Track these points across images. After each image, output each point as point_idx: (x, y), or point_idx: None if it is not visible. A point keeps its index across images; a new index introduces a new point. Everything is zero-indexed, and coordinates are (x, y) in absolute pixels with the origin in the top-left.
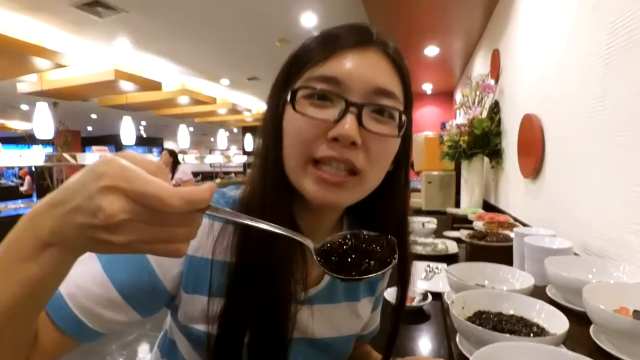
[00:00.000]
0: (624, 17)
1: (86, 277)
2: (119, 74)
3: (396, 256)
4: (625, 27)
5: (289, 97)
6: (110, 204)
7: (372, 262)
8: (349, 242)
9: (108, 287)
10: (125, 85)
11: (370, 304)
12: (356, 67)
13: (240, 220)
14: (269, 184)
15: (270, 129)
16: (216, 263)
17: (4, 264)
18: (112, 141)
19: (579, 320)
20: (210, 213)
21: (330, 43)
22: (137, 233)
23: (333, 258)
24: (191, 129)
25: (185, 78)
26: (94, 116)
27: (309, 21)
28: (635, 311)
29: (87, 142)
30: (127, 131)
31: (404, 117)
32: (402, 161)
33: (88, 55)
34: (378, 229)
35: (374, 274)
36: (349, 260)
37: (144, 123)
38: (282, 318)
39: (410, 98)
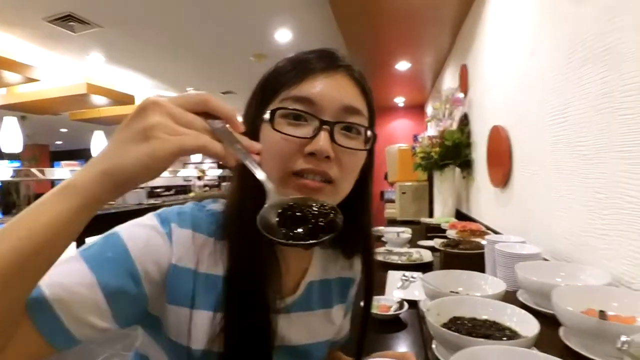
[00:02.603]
0: (580, 35)
1: (72, 278)
2: (91, 87)
3: (341, 217)
4: (583, 44)
5: (267, 117)
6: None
7: (320, 225)
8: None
9: (94, 288)
10: (97, 99)
11: (342, 310)
12: (326, 88)
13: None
14: (249, 198)
15: None
16: (199, 275)
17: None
18: (83, 156)
19: (549, 322)
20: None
21: (302, 67)
22: (168, 119)
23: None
24: None
25: (158, 92)
26: (64, 130)
27: (284, 37)
28: (600, 311)
29: (57, 156)
30: (99, 146)
31: (369, 133)
32: (368, 170)
33: (59, 69)
34: (353, 232)
35: (324, 237)
36: (300, 227)
37: None
38: (264, 328)
39: (373, 115)
